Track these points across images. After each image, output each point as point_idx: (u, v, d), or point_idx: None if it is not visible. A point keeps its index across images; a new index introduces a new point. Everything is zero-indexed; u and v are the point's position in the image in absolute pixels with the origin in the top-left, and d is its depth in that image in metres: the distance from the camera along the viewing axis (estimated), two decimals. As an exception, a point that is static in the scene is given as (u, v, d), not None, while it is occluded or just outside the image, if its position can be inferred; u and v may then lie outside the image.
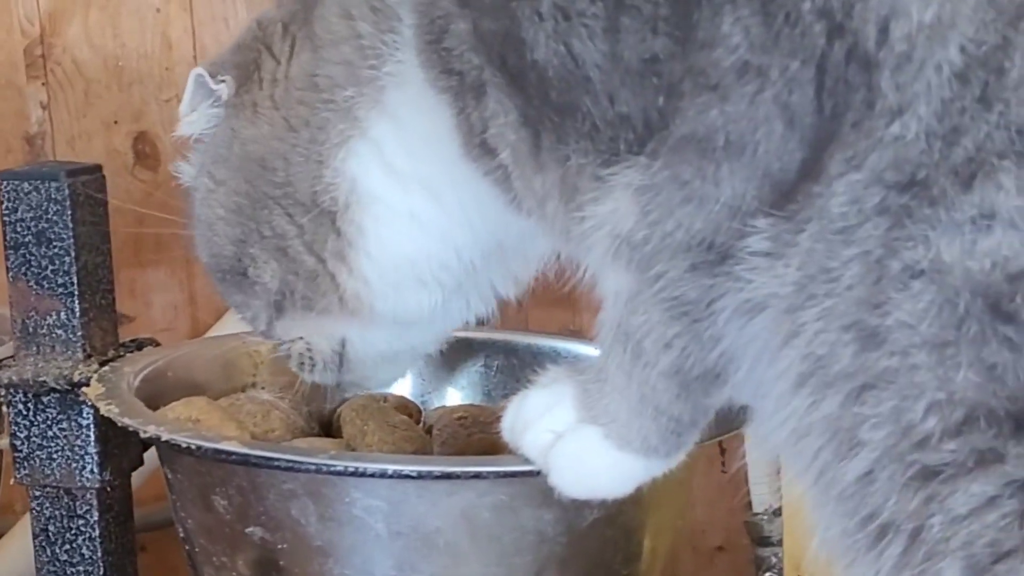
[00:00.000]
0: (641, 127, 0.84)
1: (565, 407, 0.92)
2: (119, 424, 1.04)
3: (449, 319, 1.09)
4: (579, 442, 0.91)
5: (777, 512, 1.51)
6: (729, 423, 0.97)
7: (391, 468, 0.97)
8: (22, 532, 1.41)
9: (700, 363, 0.86)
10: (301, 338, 1.07)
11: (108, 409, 1.06)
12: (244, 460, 0.98)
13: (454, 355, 1.29)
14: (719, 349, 0.85)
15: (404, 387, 1.29)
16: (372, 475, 0.97)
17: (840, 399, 0.79)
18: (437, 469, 0.97)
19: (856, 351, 0.78)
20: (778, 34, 0.78)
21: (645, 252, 0.84)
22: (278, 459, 0.97)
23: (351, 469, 0.97)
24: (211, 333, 1.79)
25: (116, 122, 1.80)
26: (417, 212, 1.01)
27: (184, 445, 0.99)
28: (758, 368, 0.84)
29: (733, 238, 0.82)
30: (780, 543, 1.45)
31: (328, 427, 1.21)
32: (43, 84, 1.80)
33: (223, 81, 1.04)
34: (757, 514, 1.55)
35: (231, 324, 1.74)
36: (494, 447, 1.07)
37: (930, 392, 0.76)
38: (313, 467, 0.97)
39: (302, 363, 1.08)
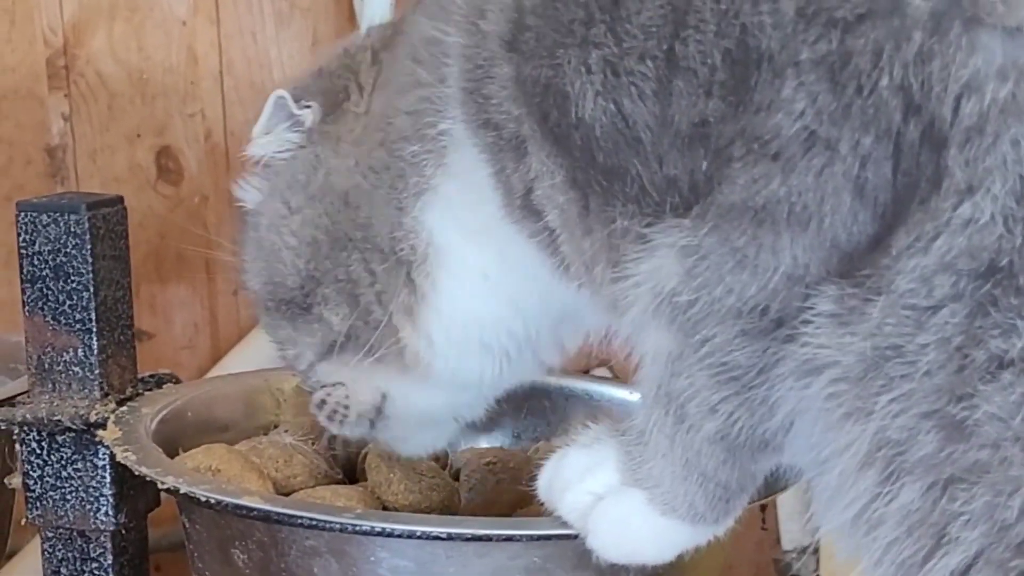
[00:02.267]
0: (687, 190, 0.81)
1: (607, 469, 0.89)
2: (137, 473, 1.00)
3: (500, 387, 1.07)
4: (621, 506, 0.88)
5: (804, 551, 1.48)
6: (775, 484, 0.93)
7: (420, 529, 0.93)
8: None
9: (749, 430, 0.83)
10: (342, 384, 1.04)
11: (125, 456, 1.02)
12: (265, 516, 0.94)
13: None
14: (774, 419, 0.82)
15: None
16: (400, 536, 0.93)
17: (921, 489, 0.76)
18: (468, 531, 0.93)
19: (940, 441, 0.75)
20: (849, 105, 0.75)
21: (690, 315, 0.81)
22: (301, 517, 0.93)
23: (378, 529, 0.93)
24: (232, 354, 1.76)
25: (139, 136, 1.78)
26: (490, 272, 0.98)
27: (203, 499, 0.95)
28: (815, 435, 0.81)
29: (793, 305, 0.79)
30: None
31: (352, 471, 1.17)
32: (65, 96, 1.77)
33: (308, 107, 1.01)
34: (787, 551, 1.53)
35: (253, 345, 1.71)
36: (525, 498, 1.04)
37: None
38: (337, 526, 0.93)
39: (334, 412, 1.04)
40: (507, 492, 1.11)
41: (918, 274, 0.74)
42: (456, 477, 1.16)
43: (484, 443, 1.25)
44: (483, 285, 0.98)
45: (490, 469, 1.15)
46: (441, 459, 1.20)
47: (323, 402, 1.05)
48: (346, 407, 1.04)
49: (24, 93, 1.77)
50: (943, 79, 0.74)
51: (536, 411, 1.26)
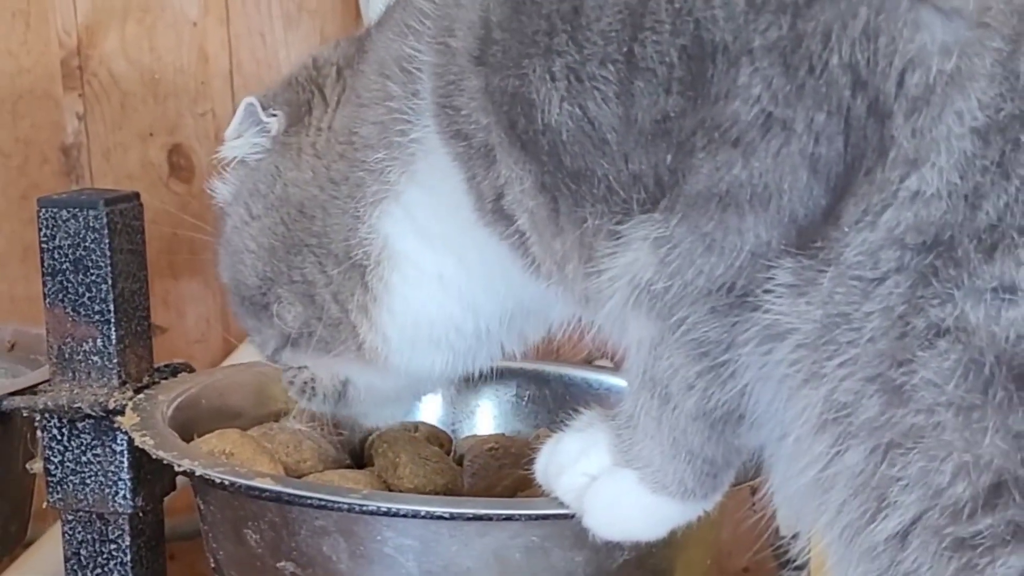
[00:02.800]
0: (653, 185, 0.84)
1: (599, 451, 0.93)
2: (154, 456, 1.05)
3: (453, 375, 1.11)
4: (615, 486, 0.92)
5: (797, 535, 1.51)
6: (760, 466, 0.97)
7: (424, 509, 0.97)
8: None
9: (722, 402, 0.87)
10: (306, 367, 1.10)
11: (143, 440, 1.07)
12: (277, 497, 0.98)
13: (485, 383, 1.30)
14: (739, 385, 0.86)
15: (435, 415, 1.30)
16: (404, 515, 0.97)
17: (865, 452, 0.79)
18: (470, 511, 0.97)
19: (882, 405, 0.78)
20: (802, 86, 0.78)
21: (666, 300, 0.85)
22: (311, 497, 0.98)
23: (383, 509, 0.97)
24: (243, 348, 1.80)
25: (151, 134, 1.81)
26: (445, 275, 1.03)
27: (218, 481, 1.00)
28: (777, 404, 0.85)
29: (756, 278, 0.82)
30: (806, 566, 1.45)
31: (360, 456, 1.21)
32: (80, 96, 1.81)
33: (274, 115, 1.06)
34: (784, 537, 1.55)
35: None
36: (525, 482, 1.08)
37: (957, 454, 0.76)
38: (345, 506, 0.97)
39: (303, 390, 1.11)
40: (508, 476, 1.15)
41: (865, 248, 0.78)
42: (460, 462, 1.20)
43: (487, 429, 1.30)
44: (436, 287, 1.03)
45: (492, 454, 1.19)
46: (445, 445, 1.24)
47: (291, 382, 1.11)
48: (313, 385, 1.10)
49: (39, 93, 1.81)
50: (889, 54, 0.77)
51: (537, 399, 1.30)
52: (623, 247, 0.86)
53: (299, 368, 1.10)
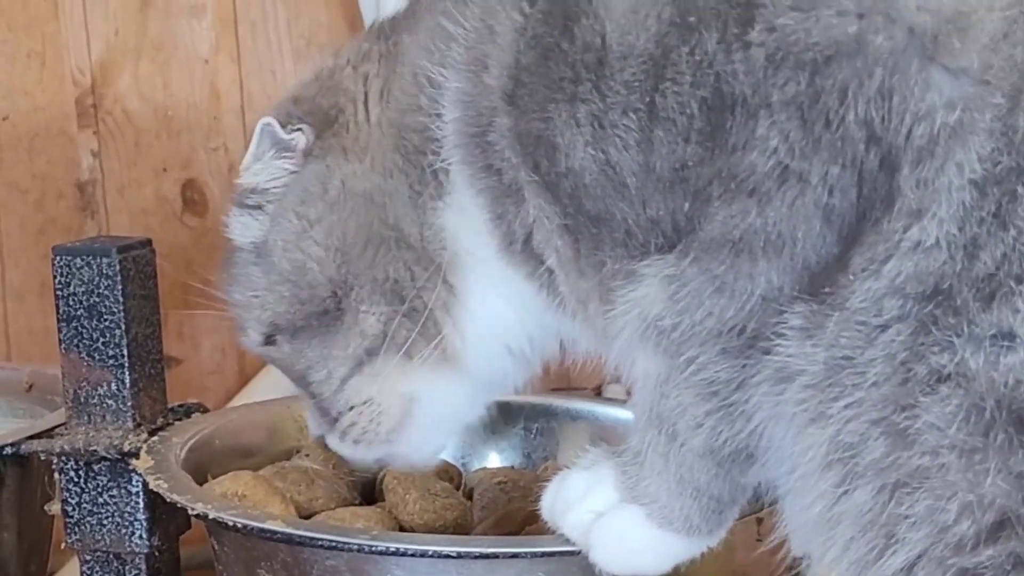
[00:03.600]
0: (670, 230, 0.87)
1: (606, 488, 0.95)
2: (168, 500, 1.07)
3: (518, 382, 1.10)
4: (621, 521, 0.94)
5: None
6: (763, 499, 0.99)
7: (431, 548, 0.99)
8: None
9: (732, 441, 0.89)
10: (371, 400, 1.05)
11: (158, 484, 1.09)
12: (288, 539, 1.01)
13: (494, 418, 1.32)
14: (750, 426, 0.88)
15: (445, 450, 1.31)
16: (413, 555, 0.99)
17: (872, 492, 0.82)
18: (476, 550, 1.00)
19: (887, 447, 0.81)
20: (818, 140, 0.82)
21: (673, 338, 0.87)
22: (321, 539, 1.00)
23: (392, 549, 0.99)
24: (258, 378, 1.82)
25: (165, 170, 1.84)
26: (506, 281, 1.00)
27: (231, 523, 1.02)
28: (785, 442, 0.87)
29: (766, 322, 0.85)
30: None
31: (372, 493, 1.23)
32: (94, 133, 1.83)
33: (297, 130, 1.02)
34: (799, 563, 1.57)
35: (276, 373, 1.77)
36: (534, 515, 1.10)
37: (961, 493, 0.79)
38: (355, 546, 0.99)
39: (364, 433, 1.05)
40: (518, 510, 1.17)
41: (870, 295, 0.81)
42: (469, 496, 1.22)
43: (496, 463, 1.32)
44: (507, 288, 1.00)
45: (501, 488, 1.21)
46: (455, 479, 1.26)
47: (353, 424, 1.05)
48: (378, 423, 1.05)
49: (55, 131, 1.83)
50: (901, 112, 0.80)
51: (545, 431, 1.32)
52: (635, 282, 0.89)
53: (363, 404, 1.04)
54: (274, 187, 1.03)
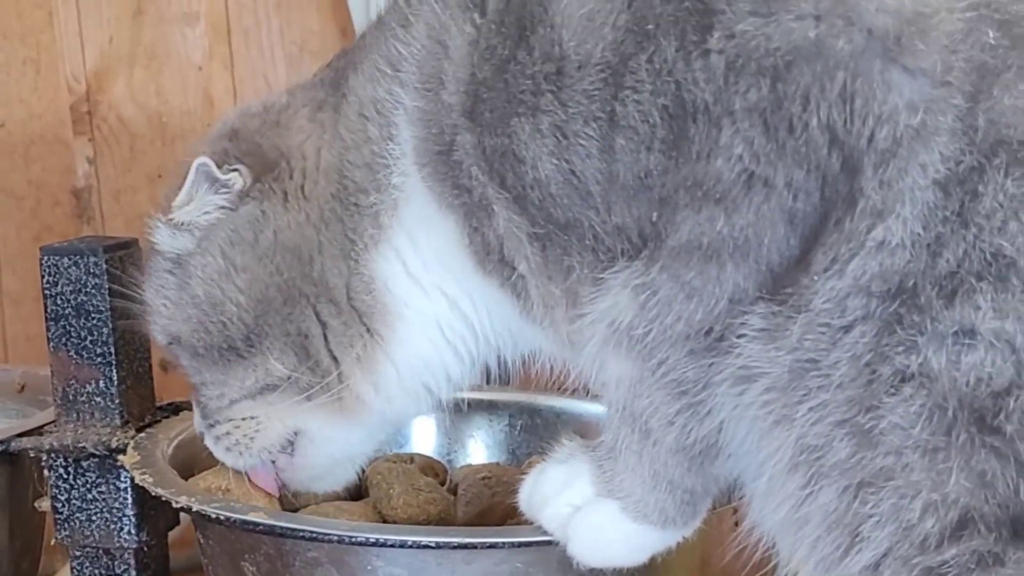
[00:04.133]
0: (636, 237, 0.88)
1: (583, 483, 0.96)
2: (153, 494, 1.09)
3: (427, 413, 1.14)
4: (598, 516, 0.95)
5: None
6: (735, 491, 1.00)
7: (411, 539, 1.01)
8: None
9: (702, 438, 0.91)
10: (254, 418, 1.06)
11: (143, 479, 1.10)
12: (270, 530, 1.02)
13: (479, 415, 1.34)
14: (715, 421, 0.89)
15: (431, 446, 1.33)
16: (393, 545, 1.01)
17: (837, 491, 0.83)
18: (455, 540, 1.01)
19: (852, 447, 0.82)
20: (783, 146, 0.82)
21: (646, 343, 0.88)
22: (302, 530, 1.02)
23: (372, 539, 1.00)
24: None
25: (160, 176, 1.85)
26: (442, 320, 1.02)
27: (214, 516, 1.04)
28: (750, 441, 0.89)
29: (731, 322, 0.86)
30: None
31: (358, 489, 1.25)
32: (90, 140, 1.85)
33: (234, 170, 1.02)
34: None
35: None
36: (515, 510, 1.11)
37: (925, 492, 0.80)
38: (336, 538, 1.01)
39: (236, 444, 1.07)
40: (499, 504, 1.18)
41: (833, 295, 0.82)
42: (454, 492, 1.24)
43: (481, 460, 1.34)
44: (435, 332, 1.02)
45: (485, 483, 1.22)
46: (440, 475, 1.28)
47: (228, 434, 1.07)
48: (251, 439, 1.07)
49: (50, 138, 1.86)
50: (863, 114, 0.81)
51: (529, 428, 1.34)
52: (603, 292, 0.90)
53: (243, 420, 1.06)
54: (205, 220, 1.03)
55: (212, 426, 1.08)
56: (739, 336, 0.86)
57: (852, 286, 0.81)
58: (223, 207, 1.02)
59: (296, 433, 1.07)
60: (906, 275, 0.80)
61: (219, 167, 1.01)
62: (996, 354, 0.78)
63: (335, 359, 1.03)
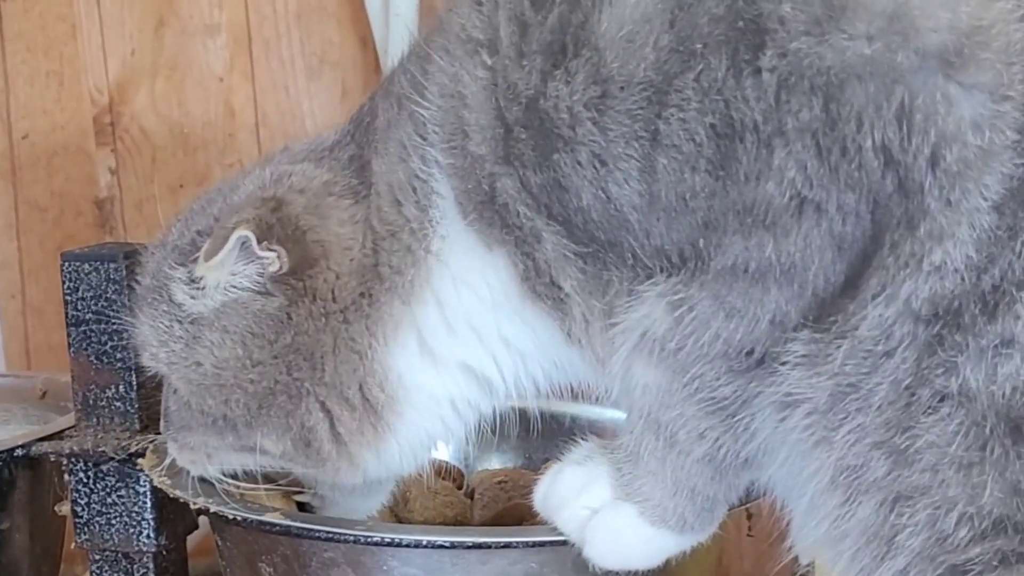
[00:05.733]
0: (676, 258, 0.87)
1: (600, 485, 0.96)
2: (171, 495, 1.10)
3: None
4: (615, 519, 0.96)
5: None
6: (752, 494, 1.01)
7: (425, 539, 1.01)
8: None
9: (733, 453, 0.91)
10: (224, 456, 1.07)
11: (161, 480, 1.11)
12: (287, 531, 1.03)
13: (495, 420, 1.34)
14: (754, 443, 0.90)
15: (447, 451, 1.33)
16: (408, 545, 1.01)
17: (875, 506, 0.84)
18: (469, 539, 1.02)
19: (889, 466, 0.83)
20: (836, 168, 0.81)
21: (679, 357, 0.88)
22: (318, 530, 1.02)
23: (388, 540, 1.01)
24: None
25: (182, 186, 1.87)
26: (455, 396, 1.03)
27: (231, 517, 1.05)
28: (791, 462, 0.89)
29: (774, 346, 0.86)
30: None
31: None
32: (112, 151, 1.87)
33: (273, 251, 0.98)
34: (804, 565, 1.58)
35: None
36: (532, 512, 1.12)
37: (961, 505, 0.81)
38: (352, 538, 1.02)
39: (193, 464, 1.08)
40: (516, 506, 1.19)
41: (878, 323, 0.82)
42: (471, 496, 1.25)
43: (498, 465, 1.34)
44: (447, 410, 1.03)
45: (502, 487, 1.23)
46: (457, 479, 1.29)
47: (192, 451, 1.07)
48: (208, 464, 1.07)
49: (73, 149, 1.87)
50: (923, 132, 0.79)
51: (546, 433, 1.34)
52: (637, 302, 0.90)
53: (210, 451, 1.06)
54: (229, 292, 1.00)
55: (175, 440, 1.07)
56: (782, 363, 0.86)
57: (901, 311, 0.81)
58: (251, 287, 1.00)
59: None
60: (953, 298, 0.80)
61: (259, 242, 0.97)
62: None
63: (342, 443, 1.03)
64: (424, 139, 0.95)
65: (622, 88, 0.85)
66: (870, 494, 0.84)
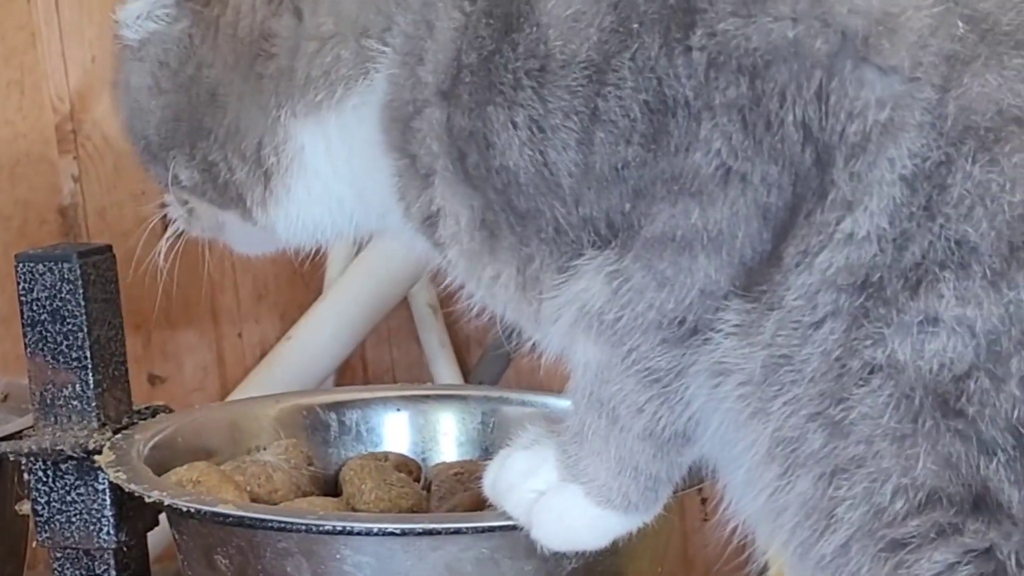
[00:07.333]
0: (604, 228, 0.90)
1: (547, 468, 0.98)
2: (126, 490, 1.11)
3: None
4: (562, 500, 0.97)
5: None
6: (699, 475, 1.02)
7: (376, 527, 1.03)
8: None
9: (671, 425, 0.93)
10: (187, 203, 1.08)
11: (117, 476, 1.13)
12: (239, 521, 1.05)
13: (451, 413, 1.36)
14: (688, 412, 0.92)
15: (404, 445, 1.35)
16: (359, 533, 1.03)
17: (813, 480, 0.86)
18: (420, 526, 1.03)
19: (824, 438, 0.85)
20: (760, 142, 0.85)
21: (616, 329, 0.90)
22: (271, 520, 1.04)
23: (339, 528, 1.03)
24: (234, 396, 1.86)
25: (144, 193, 1.87)
26: (343, 200, 1.02)
27: (185, 509, 1.06)
28: (726, 433, 0.91)
29: (705, 315, 0.89)
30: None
31: (334, 486, 1.27)
32: (74, 158, 1.88)
33: None
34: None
35: (255, 384, 1.82)
36: (483, 500, 1.13)
37: (895, 477, 0.83)
38: (303, 527, 1.03)
39: (181, 216, 1.10)
40: (473, 497, 1.20)
41: (804, 291, 0.84)
42: (428, 489, 1.26)
43: (455, 457, 1.36)
44: (334, 206, 1.02)
45: (458, 479, 1.25)
46: (415, 472, 1.30)
47: (175, 207, 1.10)
48: (193, 219, 1.09)
49: (36, 157, 1.88)
50: (836, 112, 0.83)
51: (501, 425, 1.36)
52: (576, 276, 0.92)
53: (183, 204, 1.09)
54: (152, 17, 1.02)
55: (165, 193, 1.10)
56: (715, 331, 0.88)
57: (821, 280, 0.84)
58: (165, 16, 1.01)
59: (222, 223, 1.08)
60: (872, 268, 0.83)
61: None
62: (957, 339, 0.81)
63: (239, 195, 1.02)
64: (385, 30, 0.96)
65: (563, 66, 0.88)
66: (807, 467, 0.85)
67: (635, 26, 0.86)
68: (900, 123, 0.82)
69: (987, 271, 0.81)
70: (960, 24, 0.83)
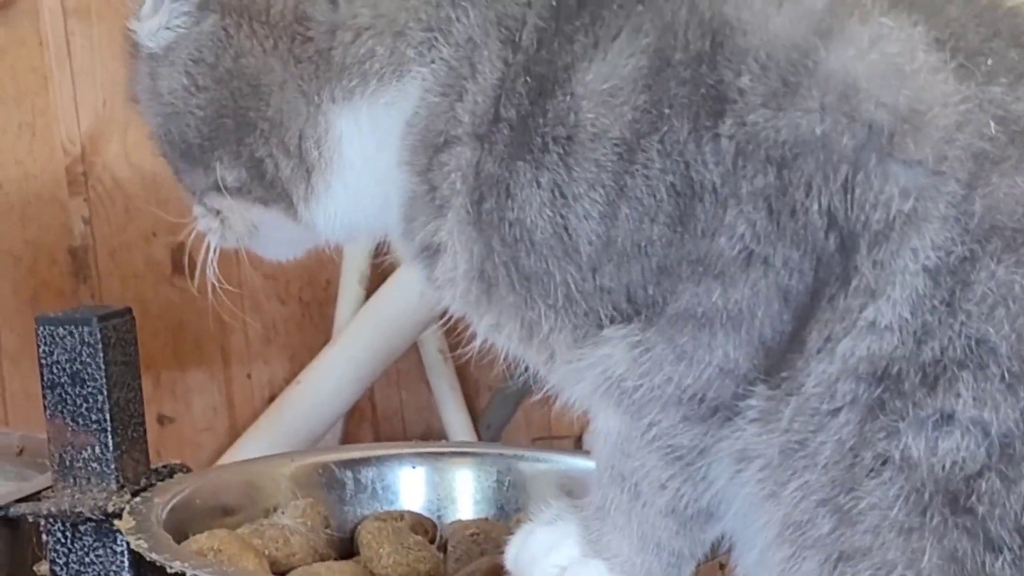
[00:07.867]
0: (625, 302, 0.91)
1: (570, 544, 0.98)
2: (147, 559, 1.12)
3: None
4: (585, 575, 0.97)
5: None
6: (715, 549, 1.03)
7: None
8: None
9: (694, 503, 0.93)
10: (219, 212, 1.06)
11: (138, 544, 1.13)
12: (260, 594, 1.05)
13: (468, 469, 1.36)
14: (711, 491, 0.93)
15: (420, 502, 1.36)
16: (381, 607, 1.04)
17: (819, 562, 0.86)
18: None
19: (833, 523, 0.86)
20: (783, 227, 0.86)
21: (635, 399, 0.91)
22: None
23: (360, 600, 1.03)
24: (247, 435, 1.87)
25: (154, 234, 1.89)
26: (374, 198, 1.01)
27: (206, 580, 1.07)
28: (744, 514, 0.92)
29: (725, 396, 0.89)
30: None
31: (351, 546, 1.28)
32: (85, 200, 1.89)
33: None
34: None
35: (266, 427, 1.83)
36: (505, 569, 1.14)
37: (900, 568, 0.84)
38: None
39: (210, 228, 1.08)
40: (488, 562, 1.21)
41: (824, 378, 0.85)
42: (444, 549, 1.27)
43: (470, 515, 1.36)
44: (367, 202, 1.01)
45: (474, 540, 1.25)
46: (430, 532, 1.31)
47: (204, 217, 1.08)
48: (221, 226, 1.06)
49: (47, 199, 1.89)
50: (862, 203, 0.84)
51: (517, 484, 1.36)
52: (599, 342, 0.92)
53: (215, 213, 1.06)
54: (170, 32, 1.01)
55: (197, 204, 1.08)
56: (740, 418, 0.89)
57: (842, 369, 0.84)
58: (187, 15, 1.00)
59: (255, 227, 1.06)
60: (892, 360, 0.84)
61: None
62: (971, 439, 0.82)
63: (285, 192, 1.01)
64: (425, 47, 0.95)
65: (593, 139, 0.89)
66: (815, 550, 0.86)
67: (666, 110, 0.87)
68: (924, 214, 0.83)
69: (1005, 373, 0.82)
70: (992, 124, 0.84)
